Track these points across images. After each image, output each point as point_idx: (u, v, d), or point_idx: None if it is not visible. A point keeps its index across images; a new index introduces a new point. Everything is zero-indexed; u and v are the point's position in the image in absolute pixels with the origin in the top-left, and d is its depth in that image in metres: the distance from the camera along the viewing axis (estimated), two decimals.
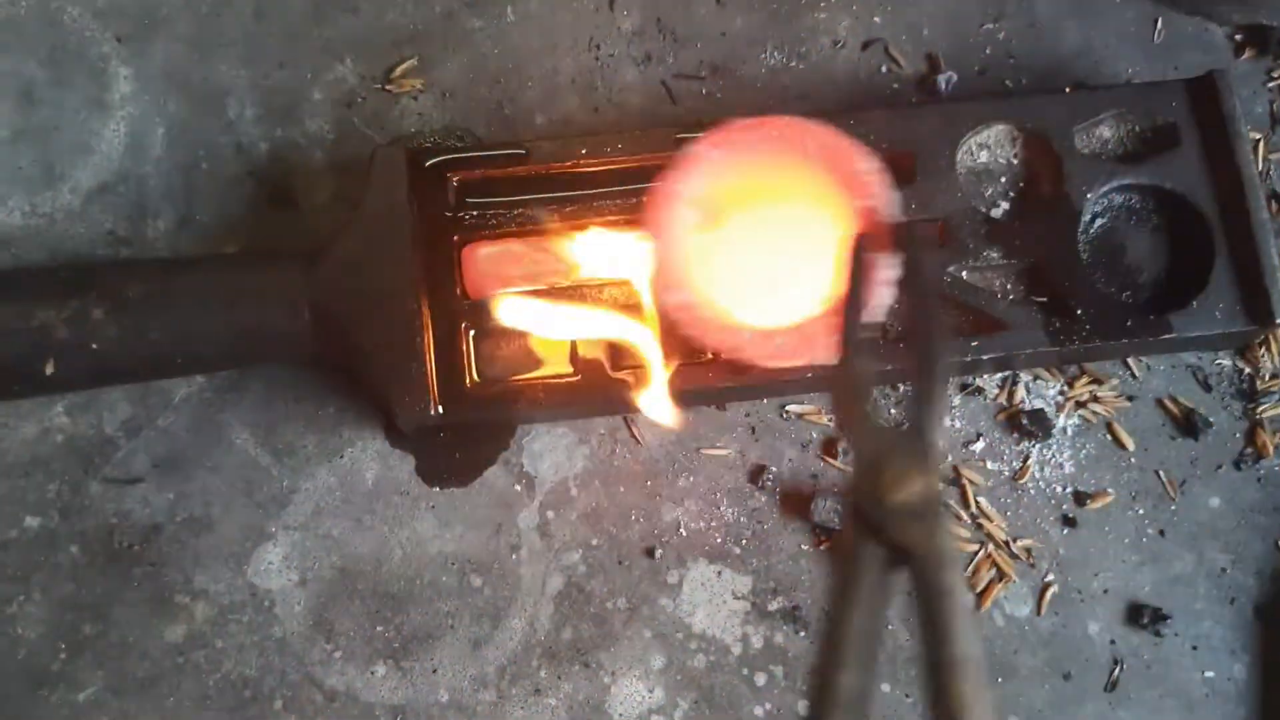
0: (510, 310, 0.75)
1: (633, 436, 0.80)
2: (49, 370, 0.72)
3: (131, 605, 0.76)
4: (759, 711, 0.75)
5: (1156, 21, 0.87)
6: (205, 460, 0.78)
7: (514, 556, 0.78)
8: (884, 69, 0.87)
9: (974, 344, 0.76)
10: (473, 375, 0.75)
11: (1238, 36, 0.87)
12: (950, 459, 0.80)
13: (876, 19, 0.87)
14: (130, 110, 0.84)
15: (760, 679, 0.76)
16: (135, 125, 0.84)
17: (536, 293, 0.76)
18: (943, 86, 0.86)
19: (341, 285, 0.74)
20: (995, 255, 0.78)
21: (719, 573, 0.78)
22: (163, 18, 0.85)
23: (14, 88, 0.84)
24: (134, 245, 0.82)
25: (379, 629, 0.76)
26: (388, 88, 0.85)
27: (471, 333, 0.76)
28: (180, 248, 0.82)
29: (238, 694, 0.74)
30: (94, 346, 0.72)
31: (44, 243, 0.81)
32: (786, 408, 0.81)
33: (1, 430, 0.78)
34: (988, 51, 0.87)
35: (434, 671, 0.75)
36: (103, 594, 0.76)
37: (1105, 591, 0.78)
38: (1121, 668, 0.77)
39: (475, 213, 0.77)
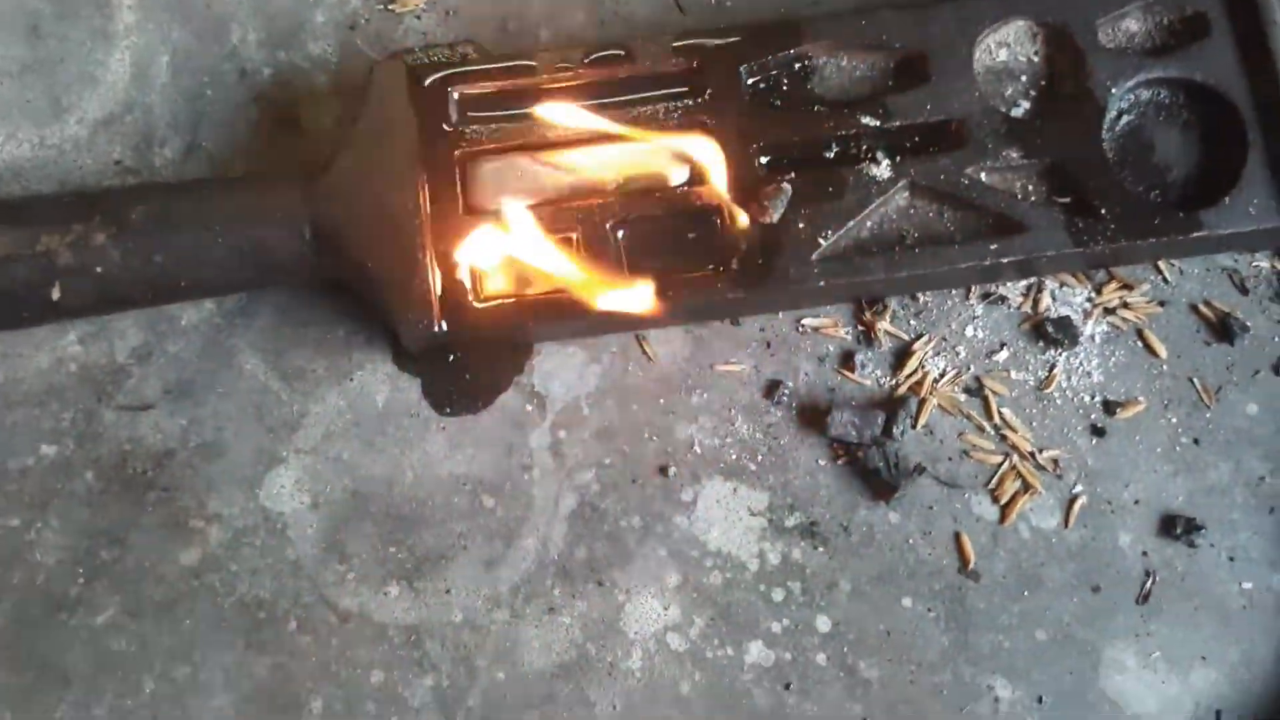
0: (514, 224, 0.74)
1: (645, 354, 0.78)
2: (55, 296, 0.72)
3: (146, 530, 0.76)
4: (776, 628, 0.74)
5: None
6: (216, 386, 0.78)
7: (526, 476, 0.77)
8: None
9: (993, 247, 0.73)
10: (477, 291, 0.74)
11: None
12: (973, 369, 0.77)
13: None
14: (134, 40, 0.83)
15: (777, 595, 0.74)
16: (139, 55, 0.83)
17: (541, 206, 0.75)
18: None
19: (342, 203, 0.73)
20: (1015, 155, 0.75)
21: (734, 489, 0.76)
22: None
23: (20, 22, 0.83)
24: (141, 174, 0.81)
25: (391, 550, 0.75)
26: (390, 7, 0.84)
27: (475, 248, 0.75)
28: (187, 175, 0.81)
29: (252, 616, 0.74)
30: (98, 270, 0.72)
31: (53, 174, 0.81)
32: (802, 321, 0.79)
33: (16, 360, 0.78)
34: None
35: (447, 592, 0.75)
36: (118, 519, 0.76)
37: (1136, 502, 0.75)
38: (1154, 580, 0.74)
39: (477, 127, 0.76)
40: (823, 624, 0.74)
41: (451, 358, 0.77)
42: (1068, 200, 0.75)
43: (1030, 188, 0.76)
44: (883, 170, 0.75)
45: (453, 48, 0.81)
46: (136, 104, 0.82)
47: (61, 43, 0.83)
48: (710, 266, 0.74)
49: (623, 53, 0.76)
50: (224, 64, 0.83)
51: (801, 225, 0.74)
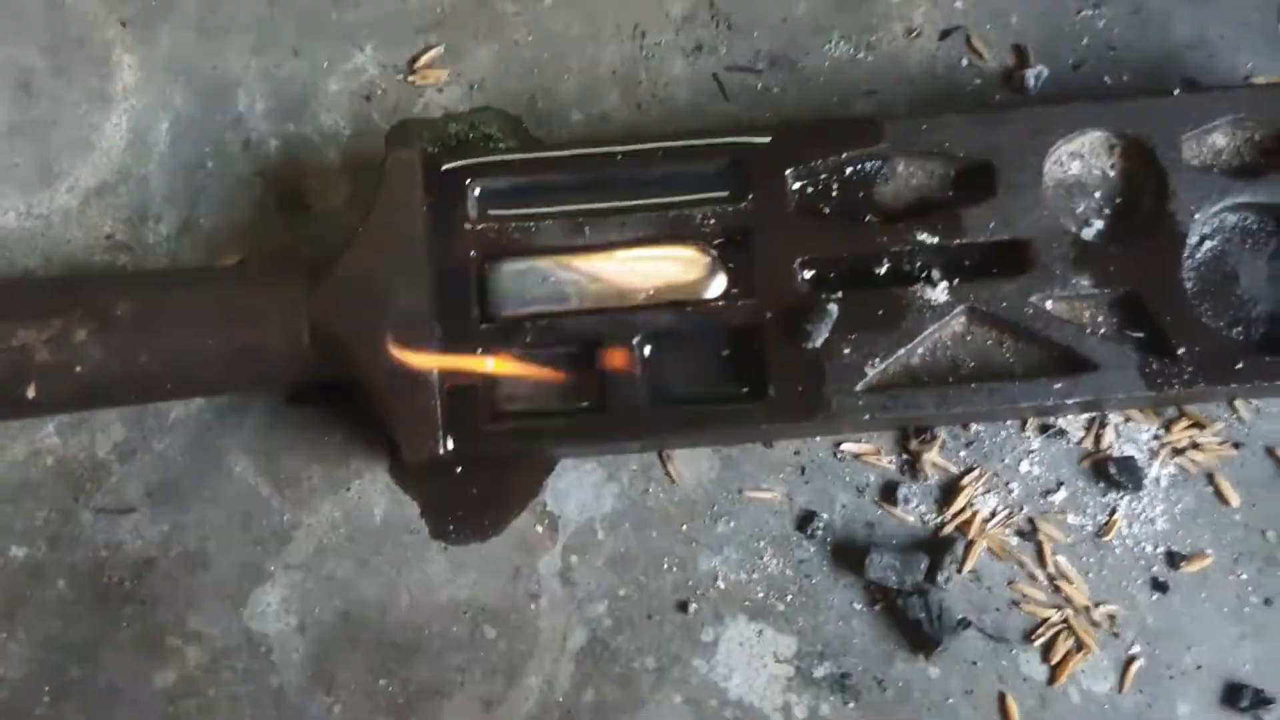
0: (533, 335, 0.68)
1: (667, 474, 0.72)
2: (30, 394, 0.66)
3: (120, 647, 0.70)
4: None
5: None
6: (202, 489, 0.72)
7: (533, 606, 0.70)
8: (964, 62, 0.77)
9: (1058, 386, 0.66)
10: (488, 408, 0.68)
11: None
12: (1026, 509, 0.71)
13: (958, 3, 0.77)
14: (133, 103, 0.77)
15: None
16: (138, 119, 0.77)
17: (563, 315, 0.68)
18: (1031, 83, 0.76)
19: (346, 306, 0.67)
20: (1086, 283, 0.68)
21: (760, 632, 0.70)
22: (170, 0, 0.78)
23: (12, 77, 0.77)
24: (134, 250, 0.75)
25: (383, 683, 0.69)
26: (410, 79, 0.77)
27: (489, 361, 0.68)
28: (182, 254, 0.75)
29: None
30: (78, 370, 0.66)
31: (39, 247, 0.75)
32: (841, 446, 0.72)
33: None
34: (1084, 42, 0.77)
35: None
36: (91, 633, 0.70)
37: (1198, 668, 0.69)
38: None
39: (497, 225, 0.69)
40: None
41: (459, 470, 0.71)
42: (1141, 335, 0.68)
43: (1100, 319, 0.69)
44: (939, 293, 0.68)
45: (474, 124, 0.76)
46: (132, 173, 0.76)
47: (55, 103, 0.77)
48: (744, 390, 0.68)
49: (659, 148, 0.70)
50: (228, 133, 0.77)
51: (847, 351, 0.67)
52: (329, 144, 0.77)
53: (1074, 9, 0.77)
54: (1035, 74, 0.76)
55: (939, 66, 0.77)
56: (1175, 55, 0.76)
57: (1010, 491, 0.71)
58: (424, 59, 0.77)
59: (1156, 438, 0.72)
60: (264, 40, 0.78)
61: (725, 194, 0.70)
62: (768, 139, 0.70)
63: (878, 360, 0.67)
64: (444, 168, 0.69)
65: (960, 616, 0.69)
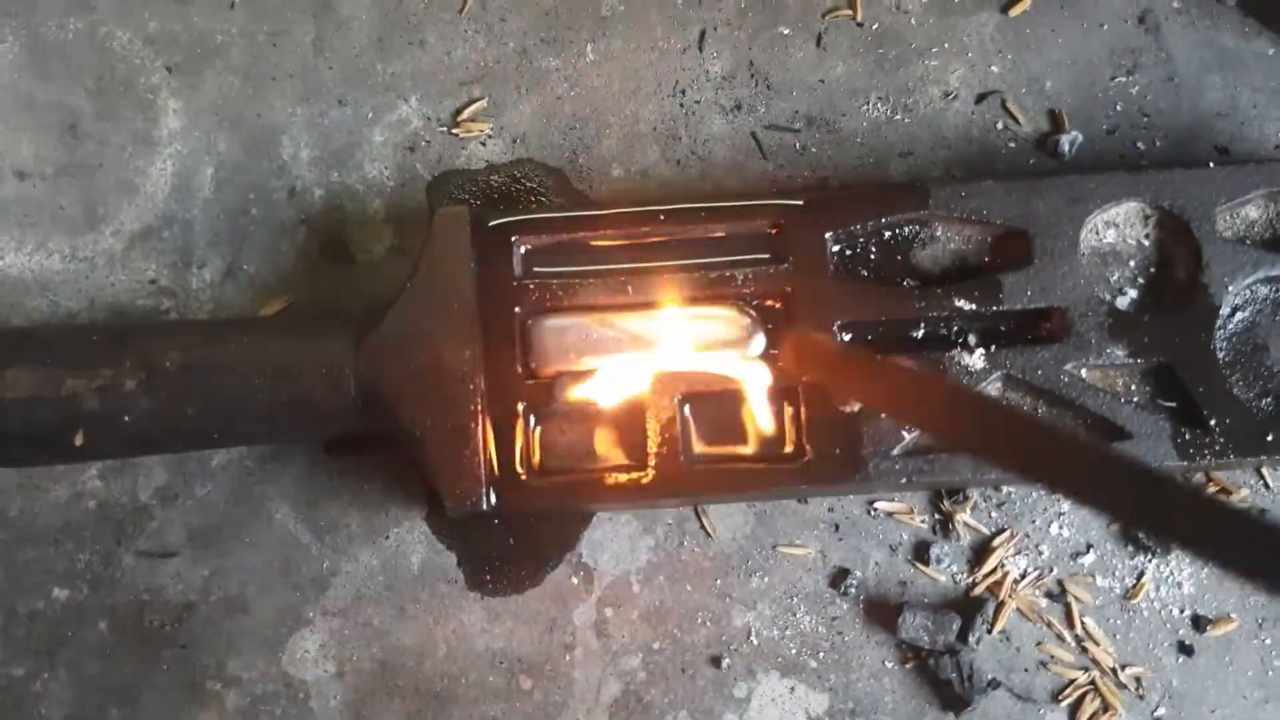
0: (576, 392, 0.69)
1: (703, 528, 0.73)
2: (78, 442, 0.67)
3: (161, 690, 0.71)
4: None
5: None
6: (243, 535, 0.73)
7: (567, 657, 0.71)
8: (1000, 125, 0.78)
9: None
10: (530, 463, 0.69)
11: None
12: (1056, 571, 0.72)
13: (994, 68, 0.79)
14: (178, 148, 0.78)
15: None
16: (183, 164, 0.78)
17: (605, 373, 0.69)
18: (1066, 148, 0.77)
19: (393, 360, 0.68)
20: (1120, 352, 0.69)
21: (792, 688, 0.71)
22: (217, 46, 0.79)
23: (58, 120, 0.78)
24: (176, 296, 0.76)
25: None
26: (454, 131, 0.78)
27: (532, 416, 0.69)
28: (225, 301, 0.76)
29: None
30: (125, 419, 0.67)
31: (83, 289, 0.76)
32: (875, 505, 0.73)
33: (32, 492, 0.73)
34: (1118, 108, 0.78)
35: None
36: (131, 675, 0.71)
37: None
38: None
39: (541, 283, 0.70)
40: None
41: (496, 520, 0.72)
42: (1173, 405, 0.69)
43: (1134, 387, 0.70)
44: (975, 359, 0.69)
45: (516, 176, 0.77)
46: (176, 218, 0.77)
47: (101, 146, 0.78)
48: (784, 451, 0.69)
49: (702, 209, 0.71)
50: (272, 180, 0.78)
51: (884, 416, 0.68)
52: (373, 194, 0.77)
53: (1108, 75, 0.78)
54: (1070, 139, 0.77)
55: (974, 130, 0.78)
56: (1207, 121, 0.78)
57: (1040, 553, 0.72)
58: (467, 112, 0.78)
59: None
60: (309, 89, 0.78)
61: (766, 256, 0.71)
62: (802, 201, 0.71)
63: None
64: (491, 223, 0.70)
65: (990, 677, 0.70)
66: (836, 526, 0.73)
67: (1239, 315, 0.71)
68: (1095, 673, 0.71)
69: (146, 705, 0.71)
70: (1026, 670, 0.71)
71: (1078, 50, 0.78)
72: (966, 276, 0.71)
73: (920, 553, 0.72)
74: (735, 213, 0.71)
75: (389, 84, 0.79)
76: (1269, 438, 0.68)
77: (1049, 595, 0.72)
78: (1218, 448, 0.67)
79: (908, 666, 0.71)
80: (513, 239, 0.71)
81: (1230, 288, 0.70)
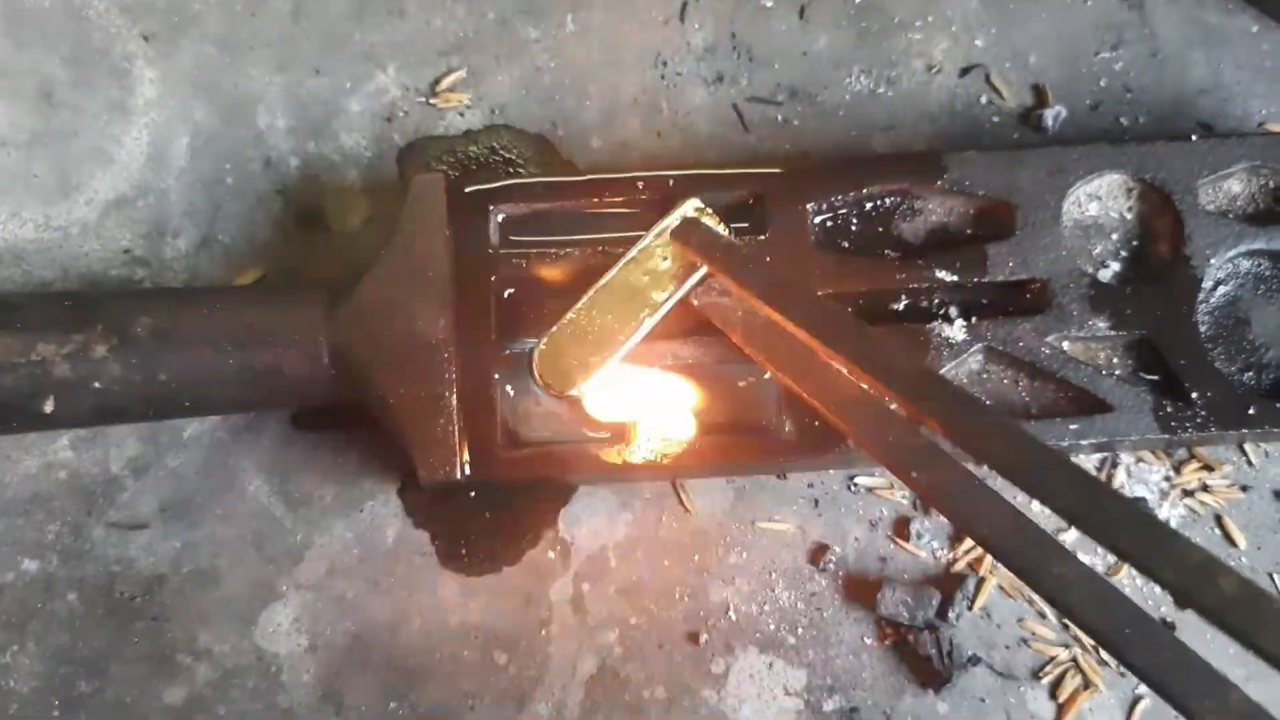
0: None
1: (681, 504, 0.72)
2: (47, 408, 0.66)
3: (130, 662, 0.70)
4: None
5: None
6: (215, 507, 0.72)
7: (543, 632, 0.70)
8: (983, 99, 0.77)
9: (1072, 427, 0.67)
10: (506, 434, 0.68)
11: None
12: None
13: (978, 42, 0.78)
14: (154, 116, 0.77)
15: None
16: (158, 133, 0.77)
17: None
18: (1049, 122, 0.76)
19: (366, 328, 0.67)
20: (1102, 324, 0.68)
21: (770, 664, 0.70)
22: (193, 15, 0.78)
23: (33, 87, 0.77)
24: (150, 266, 0.75)
25: (392, 705, 0.69)
26: (432, 101, 0.77)
27: (509, 386, 0.69)
28: (200, 270, 0.75)
29: None
30: (96, 385, 0.66)
31: (56, 259, 0.75)
32: (855, 480, 0.72)
33: (2, 463, 0.72)
34: (1102, 83, 0.78)
35: None
36: (101, 648, 0.70)
37: None
38: None
39: (519, 251, 0.70)
40: None
41: (473, 493, 0.71)
42: (1155, 378, 0.69)
43: (1115, 360, 0.70)
44: (956, 330, 0.68)
45: (493, 145, 0.76)
46: (151, 188, 0.76)
47: (75, 114, 0.77)
48: (763, 423, 0.68)
49: (682, 175, 0.70)
50: (248, 150, 0.77)
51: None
52: (349, 164, 0.77)
53: (1092, 50, 0.78)
54: (1054, 114, 0.76)
55: (958, 104, 0.77)
56: (1190, 97, 0.77)
57: None
58: (446, 82, 0.77)
59: (1168, 479, 0.72)
60: (286, 58, 0.78)
61: (745, 225, 0.70)
62: (780, 170, 0.70)
63: None
64: (467, 190, 0.70)
65: (970, 653, 0.69)
66: (816, 502, 0.72)
67: (1221, 289, 0.71)
68: (1077, 650, 0.70)
69: (116, 678, 0.70)
70: (1007, 647, 0.70)
71: (1062, 25, 0.78)
72: (949, 248, 0.70)
73: (900, 528, 0.72)
74: (717, 180, 0.70)
75: (367, 53, 0.78)
76: (1250, 411, 0.67)
77: None
78: (1199, 421, 0.67)
79: (887, 643, 0.70)
80: (490, 207, 0.70)
81: (1212, 261, 0.69)
